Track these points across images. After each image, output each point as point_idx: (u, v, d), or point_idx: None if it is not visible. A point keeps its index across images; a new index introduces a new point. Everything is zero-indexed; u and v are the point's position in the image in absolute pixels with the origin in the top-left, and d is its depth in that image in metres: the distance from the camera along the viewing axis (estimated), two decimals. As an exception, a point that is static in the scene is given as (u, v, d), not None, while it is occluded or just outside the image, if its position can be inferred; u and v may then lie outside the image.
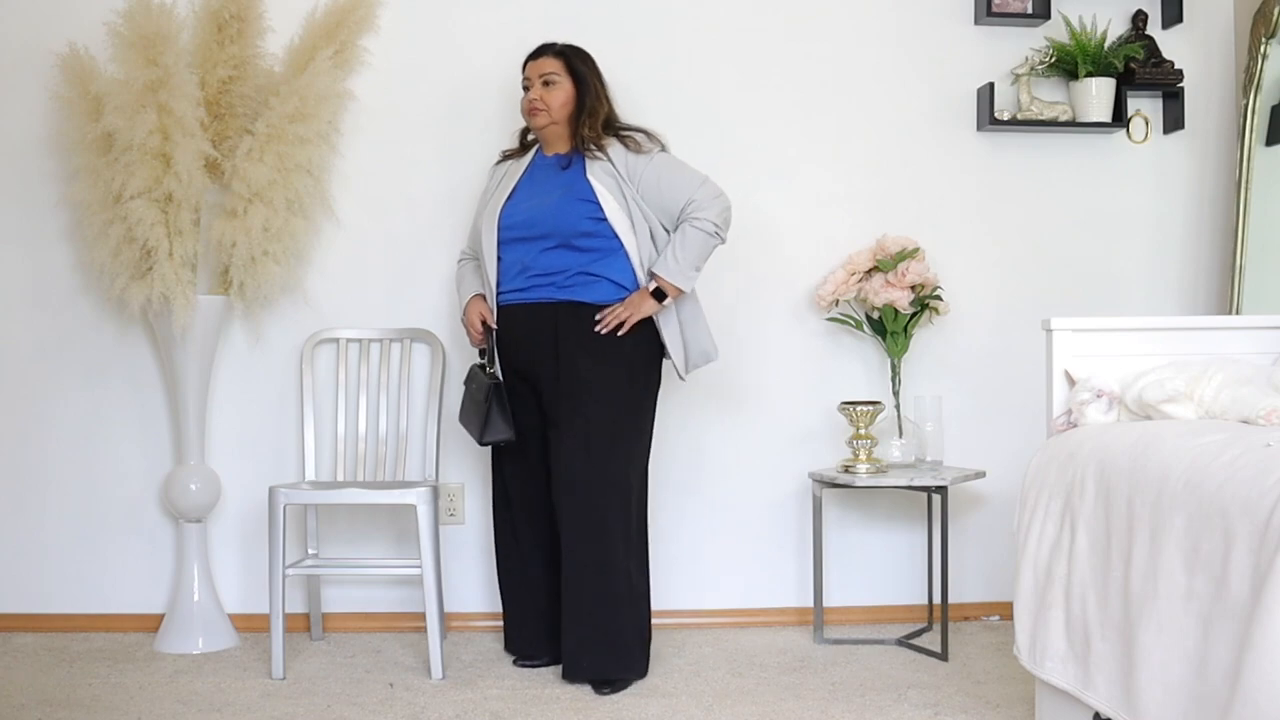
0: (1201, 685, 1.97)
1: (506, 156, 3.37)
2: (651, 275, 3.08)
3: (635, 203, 3.11)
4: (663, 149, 3.19)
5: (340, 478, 3.55)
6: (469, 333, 3.27)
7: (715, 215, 3.09)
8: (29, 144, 3.64)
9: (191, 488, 3.47)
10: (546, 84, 3.19)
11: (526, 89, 3.22)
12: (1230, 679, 1.87)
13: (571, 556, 3.04)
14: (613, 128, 3.20)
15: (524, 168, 3.26)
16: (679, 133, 3.42)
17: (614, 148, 3.15)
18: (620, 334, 3.05)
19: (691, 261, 3.08)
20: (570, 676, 3.06)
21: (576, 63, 3.22)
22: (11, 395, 3.68)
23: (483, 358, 3.27)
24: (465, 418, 3.24)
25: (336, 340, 3.62)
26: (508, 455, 3.24)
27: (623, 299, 3.10)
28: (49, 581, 3.67)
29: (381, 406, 3.58)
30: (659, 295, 3.07)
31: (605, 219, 3.09)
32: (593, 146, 3.15)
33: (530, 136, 3.33)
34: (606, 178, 3.11)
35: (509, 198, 3.20)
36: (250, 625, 3.58)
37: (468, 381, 3.26)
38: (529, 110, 3.21)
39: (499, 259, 3.18)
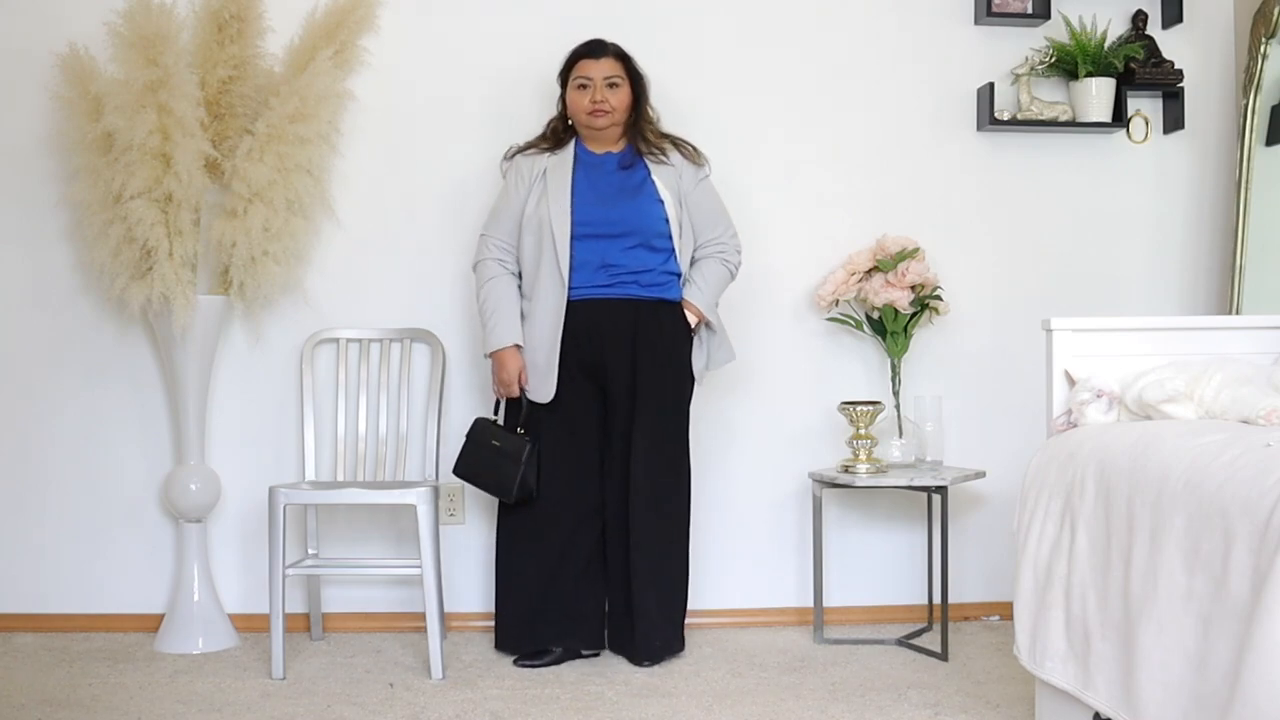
0: (1201, 685, 1.97)
1: (530, 147, 3.36)
2: (685, 304, 3.31)
3: (685, 210, 3.31)
4: (709, 169, 3.39)
5: (340, 478, 3.55)
6: (500, 385, 3.27)
7: (738, 259, 3.39)
8: (29, 144, 3.64)
9: (191, 488, 3.47)
10: (611, 85, 3.28)
11: (583, 87, 3.27)
12: (1230, 679, 1.87)
13: (648, 541, 3.24)
14: (664, 134, 3.38)
15: (570, 163, 3.29)
16: (679, 133, 3.43)
17: (673, 154, 3.32)
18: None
19: (715, 295, 3.36)
20: (645, 658, 3.25)
21: (634, 64, 3.34)
22: (12, 395, 3.67)
23: (497, 411, 3.32)
24: (473, 473, 3.27)
25: (336, 340, 3.62)
26: (548, 453, 3.26)
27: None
28: (49, 581, 3.67)
29: (381, 406, 3.58)
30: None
31: (668, 221, 3.27)
32: (655, 151, 3.31)
33: (560, 129, 3.37)
34: (671, 183, 3.29)
35: (573, 193, 3.24)
36: (250, 625, 3.58)
37: (481, 437, 3.26)
38: (593, 111, 3.26)
39: (572, 255, 3.21)
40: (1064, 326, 2.70)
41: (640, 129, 3.33)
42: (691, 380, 3.35)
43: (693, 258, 3.35)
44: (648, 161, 3.30)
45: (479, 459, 3.25)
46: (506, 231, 3.30)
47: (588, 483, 3.30)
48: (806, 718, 2.82)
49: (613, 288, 3.23)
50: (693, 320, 3.30)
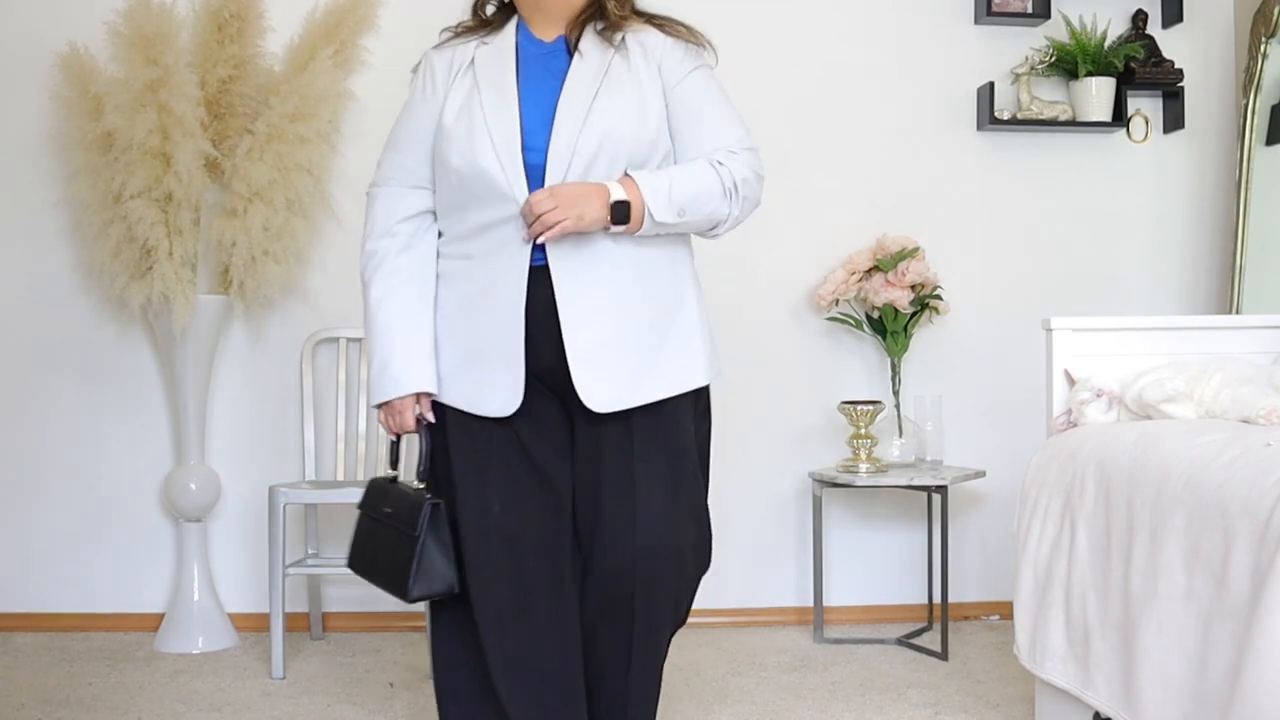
0: (1201, 685, 1.97)
1: (457, 35, 2.23)
2: (625, 176, 2.08)
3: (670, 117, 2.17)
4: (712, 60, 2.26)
5: (340, 477, 3.55)
6: (391, 427, 2.20)
7: (745, 171, 2.16)
8: (29, 144, 3.64)
9: (191, 487, 3.47)
10: None
11: None
12: (1230, 679, 1.87)
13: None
14: (641, 11, 2.23)
15: (509, 57, 2.15)
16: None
17: (649, 36, 2.17)
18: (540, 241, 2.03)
19: (681, 200, 2.09)
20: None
21: None
22: (11, 395, 3.67)
23: (395, 465, 2.28)
24: (367, 560, 2.21)
25: (336, 340, 3.62)
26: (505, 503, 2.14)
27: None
28: (49, 581, 3.67)
29: (381, 406, 3.57)
30: (618, 211, 2.04)
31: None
32: (620, 33, 2.14)
33: (490, 6, 2.24)
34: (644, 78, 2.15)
35: (520, 108, 2.10)
36: (250, 625, 3.58)
37: (372, 505, 2.23)
38: None
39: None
40: (1064, 326, 2.70)
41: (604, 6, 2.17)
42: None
43: None
44: (614, 53, 2.14)
45: (364, 539, 2.23)
46: (412, 171, 2.18)
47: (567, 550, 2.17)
48: (806, 718, 2.82)
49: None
50: (614, 192, 2.04)
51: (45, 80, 3.50)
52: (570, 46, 2.14)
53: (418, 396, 2.15)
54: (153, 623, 3.60)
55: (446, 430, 2.17)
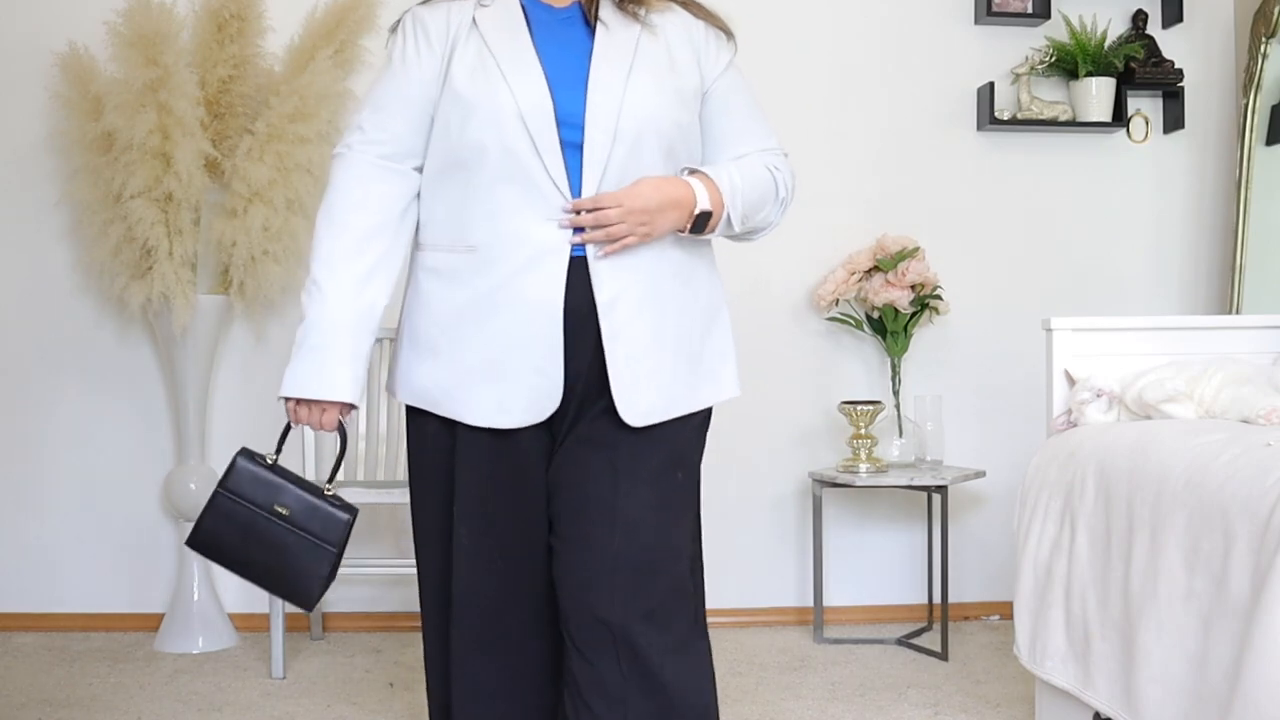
0: (1201, 685, 1.97)
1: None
2: (691, 172, 1.85)
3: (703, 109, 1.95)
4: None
5: (340, 477, 3.54)
6: (302, 420, 1.97)
7: (789, 180, 2.00)
8: (29, 144, 3.63)
9: (191, 487, 3.47)
10: None
11: None
12: (1230, 679, 1.87)
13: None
14: None
15: (518, 20, 1.87)
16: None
17: (677, 16, 1.94)
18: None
19: (747, 206, 1.89)
20: None
21: None
22: (11, 395, 3.67)
23: (279, 450, 2.03)
24: (236, 552, 2.00)
25: (336, 340, 3.61)
26: (483, 545, 1.91)
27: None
28: (49, 581, 3.67)
29: (381, 406, 3.57)
30: (698, 222, 1.84)
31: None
32: (642, 8, 1.89)
33: None
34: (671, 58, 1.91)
35: (544, 72, 1.81)
36: (250, 625, 3.58)
37: (252, 494, 1.97)
38: None
39: (568, 171, 1.79)
40: (1064, 326, 2.70)
41: None
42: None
43: None
44: (642, 28, 1.89)
45: (250, 533, 1.95)
46: (401, 139, 1.86)
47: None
48: (806, 718, 2.82)
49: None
50: (700, 199, 1.81)
51: (45, 80, 3.50)
52: (588, 16, 1.88)
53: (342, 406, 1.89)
54: (153, 623, 3.60)
55: (456, 438, 1.87)
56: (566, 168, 1.79)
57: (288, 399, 1.92)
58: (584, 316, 1.81)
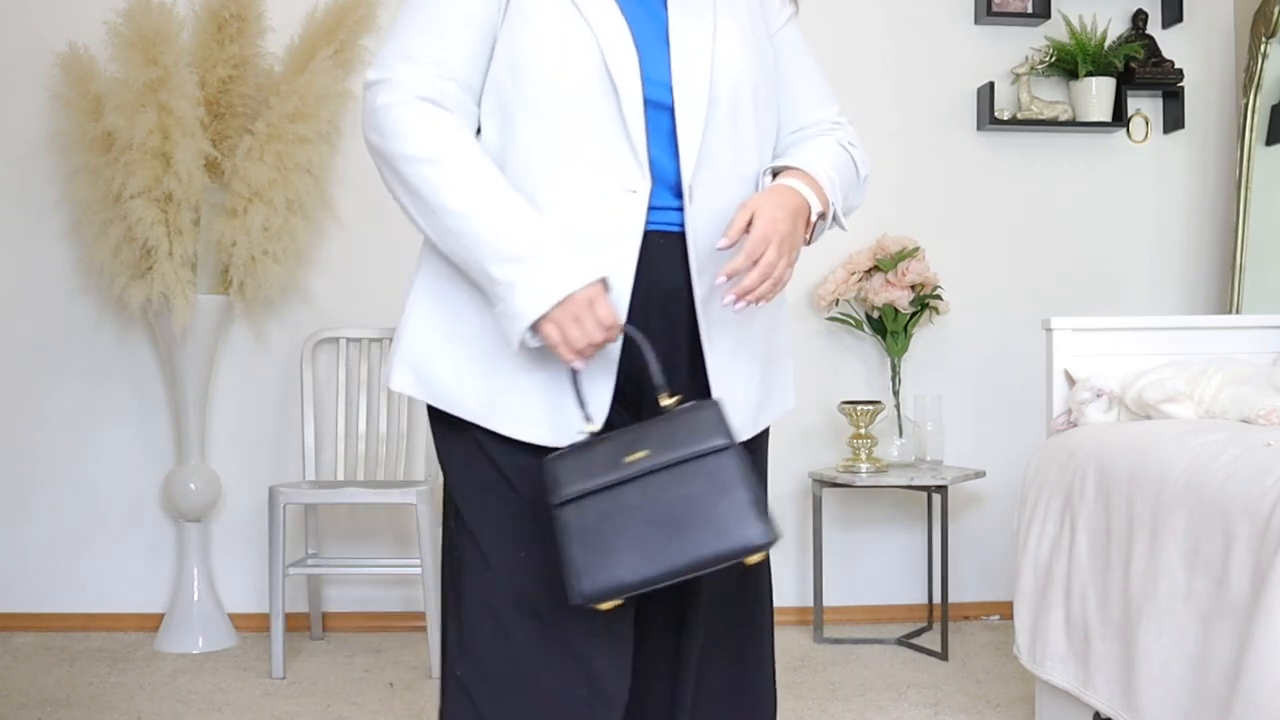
0: (1201, 685, 1.97)
1: None
2: (783, 172, 1.61)
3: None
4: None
5: (340, 477, 3.55)
6: (580, 348, 1.45)
7: (865, 157, 1.82)
8: (29, 144, 3.63)
9: (191, 487, 3.47)
10: None
11: None
12: (1230, 679, 1.87)
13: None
14: None
15: None
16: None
17: None
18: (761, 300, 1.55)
19: (843, 190, 1.72)
20: None
21: None
22: (11, 394, 3.67)
23: (589, 412, 1.48)
24: (620, 549, 1.39)
25: (337, 340, 3.62)
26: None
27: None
28: (49, 581, 3.67)
29: (381, 406, 3.58)
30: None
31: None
32: None
33: None
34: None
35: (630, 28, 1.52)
36: (250, 625, 3.58)
37: (593, 475, 1.42)
38: None
39: (649, 142, 1.51)
40: (1064, 326, 2.70)
41: None
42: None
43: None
44: None
45: (624, 515, 1.39)
46: (452, 68, 1.50)
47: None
48: (806, 718, 2.82)
49: (671, 213, 1.54)
50: (813, 204, 1.60)
51: (45, 80, 3.50)
52: None
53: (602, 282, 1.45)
54: (153, 623, 3.60)
55: (498, 466, 1.52)
56: (648, 136, 1.50)
57: (540, 328, 1.43)
58: (665, 303, 1.53)
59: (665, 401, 1.45)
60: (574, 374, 1.46)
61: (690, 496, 1.37)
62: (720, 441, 1.40)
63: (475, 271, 1.47)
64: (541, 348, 1.46)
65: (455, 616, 1.58)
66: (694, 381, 1.55)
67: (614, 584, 1.37)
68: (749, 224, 1.49)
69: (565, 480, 1.41)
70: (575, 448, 1.44)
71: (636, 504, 1.38)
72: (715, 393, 1.54)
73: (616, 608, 1.41)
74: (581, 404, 1.47)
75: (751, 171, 1.59)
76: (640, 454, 1.40)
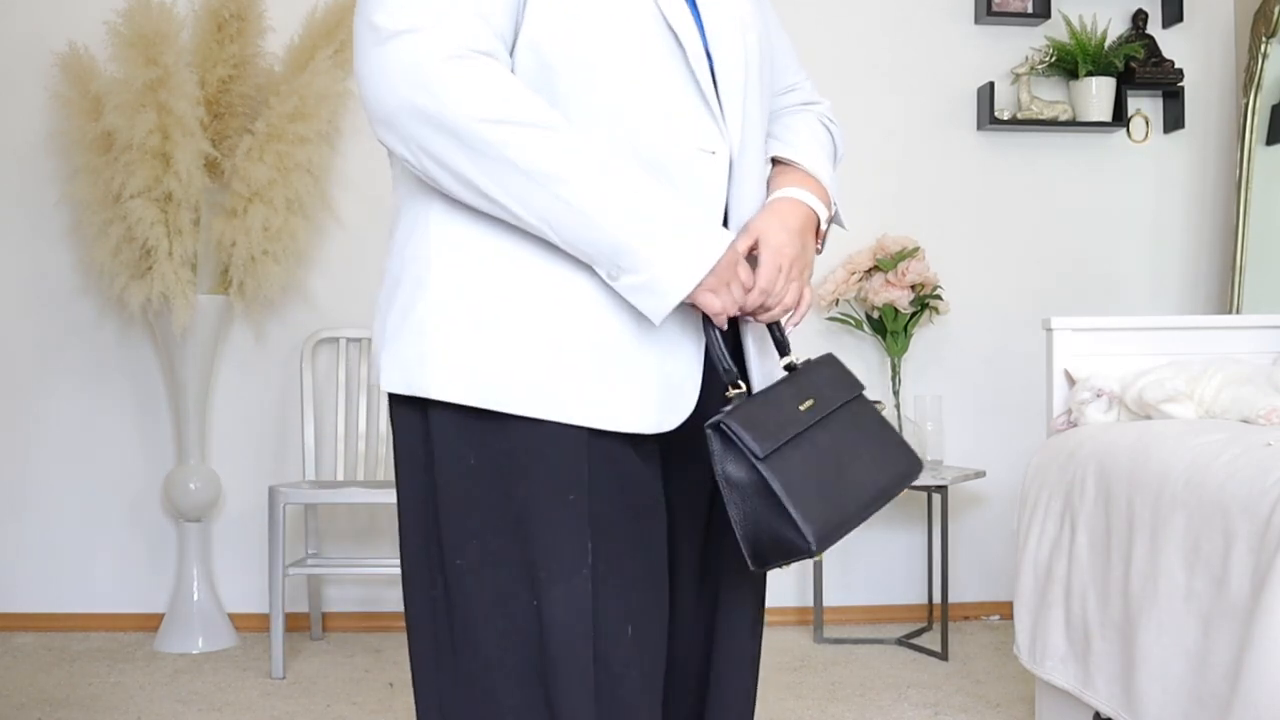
0: (1201, 685, 1.97)
1: None
2: (784, 173, 1.51)
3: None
4: None
5: (340, 477, 3.55)
6: (728, 304, 1.38)
7: (840, 134, 1.64)
8: (29, 144, 3.63)
9: (191, 487, 3.47)
10: None
11: None
12: (1230, 679, 1.87)
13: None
14: None
15: None
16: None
17: None
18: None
19: (834, 179, 1.55)
20: None
21: None
22: (11, 395, 3.67)
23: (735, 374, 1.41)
24: (832, 486, 1.37)
25: (337, 340, 3.62)
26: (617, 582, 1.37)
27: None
28: (49, 581, 3.67)
29: (382, 405, 3.57)
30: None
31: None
32: None
33: None
34: None
35: None
36: (250, 625, 3.58)
37: (781, 429, 1.37)
38: None
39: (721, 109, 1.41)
40: (1064, 326, 2.70)
41: None
42: None
43: None
44: None
45: (824, 454, 1.39)
46: (483, 12, 1.32)
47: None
48: (806, 718, 2.82)
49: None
50: (820, 211, 1.50)
51: (45, 80, 3.50)
52: None
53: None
54: (153, 623, 3.60)
55: (589, 463, 1.34)
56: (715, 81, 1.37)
57: (699, 294, 1.33)
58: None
59: (785, 361, 1.53)
60: (718, 338, 1.39)
61: (856, 437, 1.43)
62: (861, 387, 1.50)
63: (595, 246, 1.28)
64: (636, 323, 1.33)
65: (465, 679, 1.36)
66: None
67: (840, 521, 1.35)
68: (752, 247, 1.41)
69: (754, 437, 1.32)
70: (738, 407, 1.35)
71: (826, 446, 1.38)
72: (752, 366, 1.52)
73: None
74: (726, 369, 1.38)
75: (764, 133, 1.50)
76: (809, 402, 1.41)
